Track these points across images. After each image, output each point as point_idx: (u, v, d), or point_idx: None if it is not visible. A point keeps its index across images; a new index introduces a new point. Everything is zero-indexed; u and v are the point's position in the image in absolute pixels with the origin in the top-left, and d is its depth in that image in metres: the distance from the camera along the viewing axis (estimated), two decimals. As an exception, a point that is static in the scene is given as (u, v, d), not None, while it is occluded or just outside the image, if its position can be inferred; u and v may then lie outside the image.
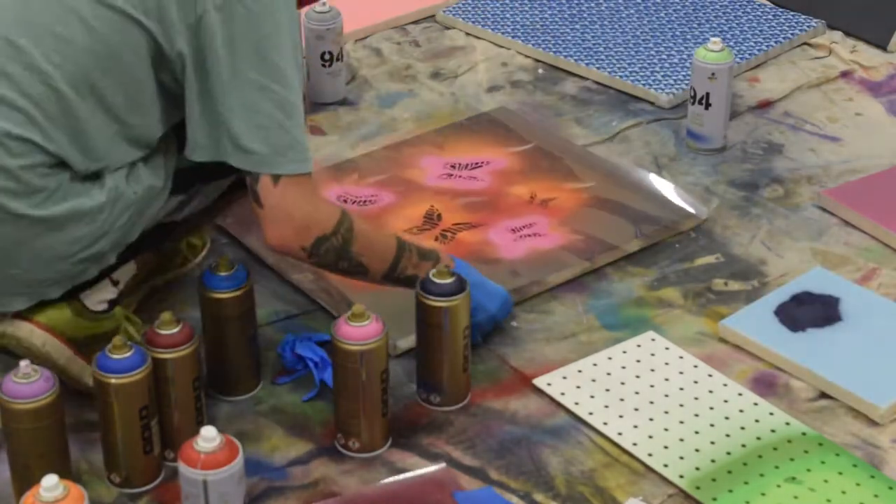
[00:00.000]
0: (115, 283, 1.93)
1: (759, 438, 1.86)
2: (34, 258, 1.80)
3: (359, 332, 1.79)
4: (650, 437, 1.87)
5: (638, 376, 1.98)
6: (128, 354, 1.72)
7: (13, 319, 1.84)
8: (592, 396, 1.94)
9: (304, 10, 2.32)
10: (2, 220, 1.76)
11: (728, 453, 1.84)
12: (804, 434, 1.87)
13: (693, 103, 2.50)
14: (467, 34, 2.94)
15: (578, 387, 1.96)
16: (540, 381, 1.97)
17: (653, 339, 2.05)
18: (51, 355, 1.84)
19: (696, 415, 1.90)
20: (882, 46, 2.86)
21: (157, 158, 1.87)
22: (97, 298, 1.90)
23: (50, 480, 1.54)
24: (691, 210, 2.32)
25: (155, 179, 1.86)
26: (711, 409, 1.92)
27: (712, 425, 1.89)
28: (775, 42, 2.85)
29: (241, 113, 1.77)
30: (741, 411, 1.91)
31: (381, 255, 1.89)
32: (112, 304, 1.92)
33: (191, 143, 1.81)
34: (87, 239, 1.82)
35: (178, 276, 2.13)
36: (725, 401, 1.93)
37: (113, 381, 1.72)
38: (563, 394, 1.94)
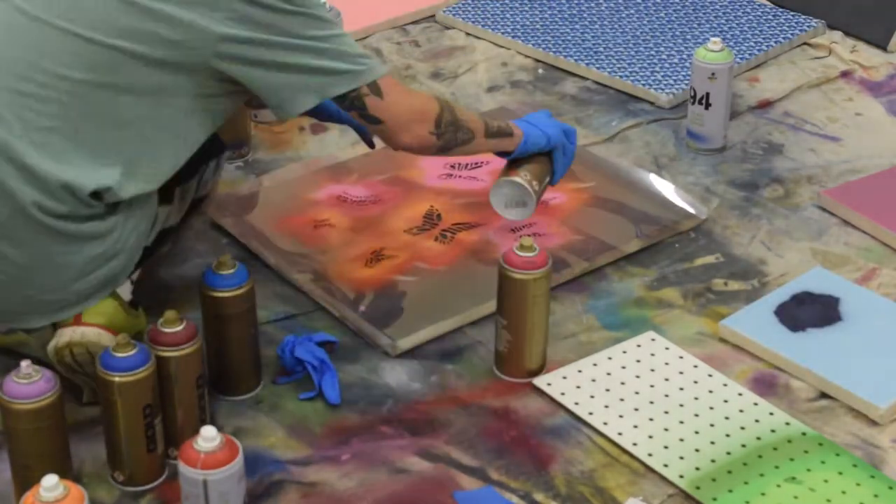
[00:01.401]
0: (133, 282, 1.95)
1: (759, 438, 1.86)
2: (53, 276, 1.81)
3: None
4: (650, 437, 1.87)
5: (638, 376, 1.98)
6: (132, 353, 1.73)
7: (73, 326, 1.84)
8: (592, 396, 1.94)
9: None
10: (35, 233, 1.78)
11: (728, 453, 1.84)
12: (804, 434, 1.87)
13: (693, 103, 2.50)
14: (467, 34, 2.94)
15: (578, 387, 1.96)
16: (540, 381, 1.97)
17: (653, 339, 2.05)
18: (99, 345, 1.84)
19: (696, 415, 1.90)
20: (882, 46, 2.86)
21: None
22: (125, 296, 1.92)
23: (50, 480, 1.54)
24: (691, 210, 2.32)
25: (150, 194, 1.89)
26: (711, 409, 1.92)
27: (712, 425, 1.89)
28: (775, 42, 2.85)
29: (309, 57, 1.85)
30: (741, 411, 1.91)
31: (473, 115, 2.03)
32: (132, 304, 1.94)
33: (285, 103, 1.85)
34: (102, 258, 1.84)
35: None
36: (725, 401, 1.93)
37: (117, 379, 1.72)
38: (563, 394, 1.94)
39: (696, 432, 1.88)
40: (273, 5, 1.78)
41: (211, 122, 1.87)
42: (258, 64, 1.80)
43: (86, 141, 1.78)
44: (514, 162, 2.11)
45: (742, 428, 1.88)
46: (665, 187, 2.38)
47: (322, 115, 2.18)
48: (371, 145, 2.27)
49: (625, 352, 2.03)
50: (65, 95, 1.76)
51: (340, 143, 2.55)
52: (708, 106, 2.48)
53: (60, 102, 1.76)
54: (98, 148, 1.78)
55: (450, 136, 1.97)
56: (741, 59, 2.78)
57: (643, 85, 2.70)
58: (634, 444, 1.85)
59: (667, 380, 1.97)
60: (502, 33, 2.90)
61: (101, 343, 1.83)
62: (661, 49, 2.83)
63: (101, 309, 1.86)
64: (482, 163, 2.46)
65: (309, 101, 1.85)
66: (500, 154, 2.11)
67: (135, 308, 1.92)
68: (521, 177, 2.08)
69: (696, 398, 1.94)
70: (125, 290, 1.91)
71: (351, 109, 1.90)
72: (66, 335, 1.83)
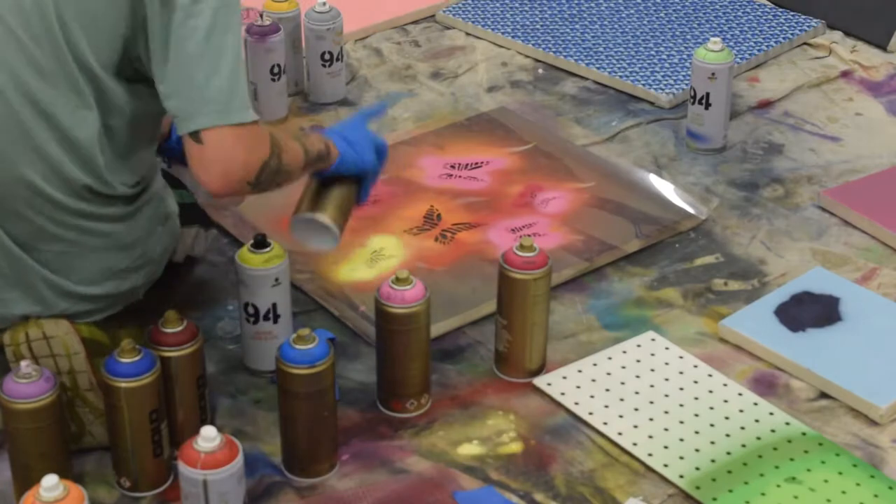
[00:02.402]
0: None
1: (759, 438, 1.86)
2: (91, 268, 1.83)
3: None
4: (650, 437, 1.87)
5: (638, 376, 1.98)
6: (137, 358, 1.72)
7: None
8: (592, 396, 1.94)
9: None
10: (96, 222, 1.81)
11: (728, 453, 1.84)
12: (804, 434, 1.87)
13: (693, 103, 2.50)
14: (467, 34, 2.94)
15: (578, 387, 1.96)
16: (540, 381, 1.97)
17: (653, 339, 2.05)
18: (70, 346, 1.80)
19: (696, 415, 1.90)
20: (882, 46, 2.86)
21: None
22: None
23: (50, 480, 1.54)
24: (691, 210, 2.32)
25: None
26: (711, 409, 1.92)
27: (712, 425, 1.89)
28: (775, 42, 2.85)
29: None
30: (741, 411, 1.91)
31: (295, 149, 1.84)
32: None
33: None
34: (126, 264, 1.86)
35: None
36: (725, 401, 1.93)
37: (123, 385, 1.72)
38: (563, 394, 1.94)
39: (696, 432, 1.87)
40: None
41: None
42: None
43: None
44: (320, 185, 1.95)
45: (742, 428, 1.88)
46: (665, 187, 2.38)
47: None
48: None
49: (625, 352, 2.02)
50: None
51: (340, 143, 2.55)
52: (708, 106, 2.48)
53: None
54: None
55: (267, 183, 1.79)
56: (741, 59, 2.78)
57: (643, 85, 2.70)
58: (634, 444, 1.85)
59: (667, 380, 1.97)
60: (502, 33, 2.90)
61: (59, 328, 1.79)
62: (661, 49, 2.83)
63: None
64: (482, 163, 2.46)
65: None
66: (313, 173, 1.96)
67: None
68: (327, 214, 1.91)
69: (696, 398, 1.94)
70: None
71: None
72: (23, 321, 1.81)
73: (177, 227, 1.99)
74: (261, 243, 1.93)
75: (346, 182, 1.94)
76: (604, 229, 2.27)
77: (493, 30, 2.92)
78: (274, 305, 1.94)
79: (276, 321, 1.95)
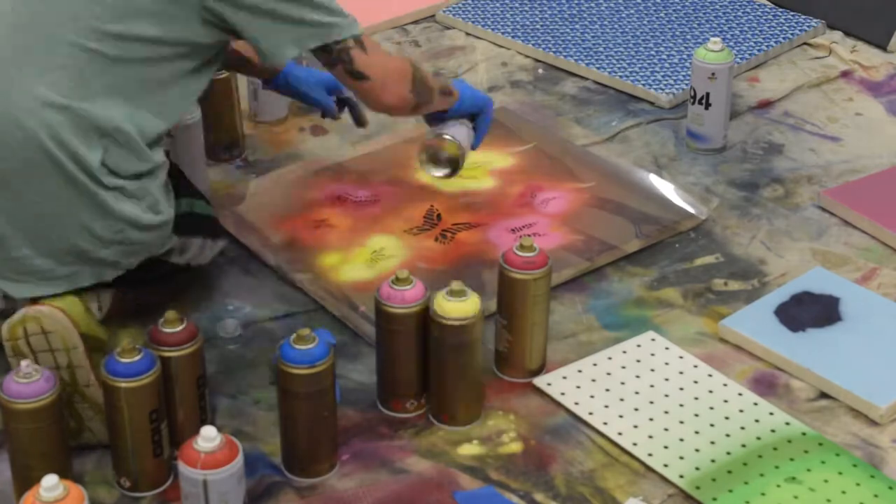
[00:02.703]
0: (98, 306, 1.94)
1: (759, 438, 1.86)
2: (75, 229, 1.84)
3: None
4: (650, 437, 1.87)
5: (638, 376, 1.98)
6: (137, 358, 1.72)
7: (32, 305, 1.82)
8: (592, 396, 1.94)
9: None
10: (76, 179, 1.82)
11: (728, 453, 1.84)
12: (804, 434, 1.87)
13: (693, 103, 2.50)
14: (467, 34, 2.94)
15: (578, 387, 1.96)
16: (540, 381, 1.97)
17: (653, 339, 2.05)
18: (68, 340, 1.80)
19: (696, 415, 1.90)
20: (882, 46, 2.86)
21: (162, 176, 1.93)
22: (93, 307, 1.91)
23: (50, 480, 1.54)
24: (691, 210, 2.32)
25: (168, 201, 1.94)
26: (711, 409, 1.92)
27: (712, 425, 1.89)
28: (775, 42, 2.85)
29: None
30: (741, 411, 1.91)
31: (428, 73, 2.09)
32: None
33: (271, 50, 1.92)
34: (113, 233, 1.86)
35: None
36: (725, 401, 1.93)
37: (123, 385, 1.72)
38: (563, 394, 1.94)
39: (696, 432, 1.87)
40: None
41: (191, 89, 1.93)
42: (245, 7, 1.86)
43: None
44: (441, 122, 2.18)
45: (742, 428, 1.88)
46: (665, 187, 2.38)
47: (297, 91, 2.30)
48: (360, 122, 2.37)
49: (625, 352, 2.02)
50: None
51: (340, 143, 2.55)
52: (708, 106, 2.48)
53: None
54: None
55: (422, 95, 2.04)
56: (741, 59, 2.78)
57: (643, 85, 2.70)
58: (634, 444, 1.85)
59: (667, 380, 1.97)
60: (502, 33, 2.90)
61: (58, 324, 1.78)
62: (661, 49, 2.83)
63: (61, 302, 1.84)
64: (482, 163, 2.46)
65: (292, 51, 1.92)
66: (434, 113, 2.18)
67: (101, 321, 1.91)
68: (452, 138, 2.16)
69: (696, 398, 1.94)
70: (94, 304, 1.91)
71: (336, 63, 1.96)
72: (21, 311, 1.80)
73: (165, 235, 1.96)
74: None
75: (462, 121, 2.19)
76: (604, 229, 2.27)
77: (493, 30, 2.92)
78: None
79: None
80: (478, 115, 2.21)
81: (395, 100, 2.01)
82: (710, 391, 1.95)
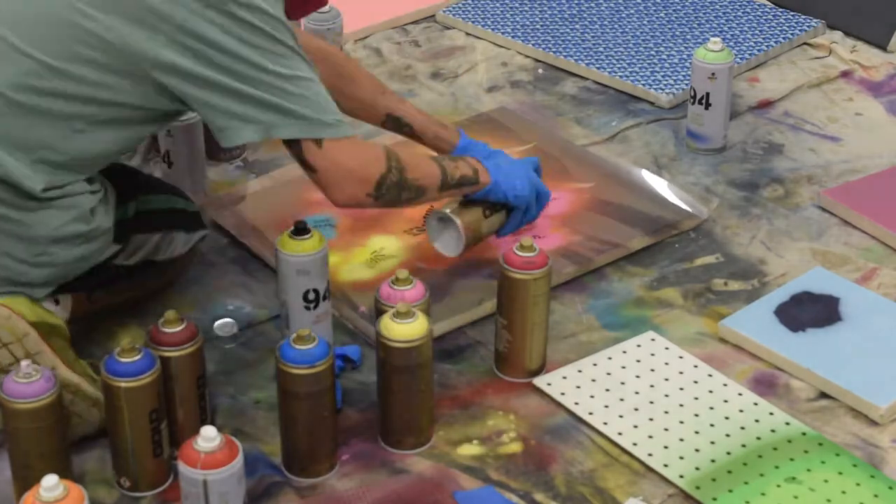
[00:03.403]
0: (56, 302, 1.92)
1: (759, 438, 1.86)
2: (16, 239, 1.81)
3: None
4: (650, 437, 1.87)
5: (638, 376, 1.98)
6: (137, 358, 1.72)
7: None
8: (592, 396, 1.94)
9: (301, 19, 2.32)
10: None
11: (728, 453, 1.84)
12: (804, 434, 1.87)
13: (693, 103, 2.50)
14: (467, 34, 2.94)
15: (578, 387, 1.96)
16: (540, 381, 1.97)
17: (653, 339, 2.05)
18: (16, 329, 1.78)
19: (696, 415, 1.90)
20: (882, 46, 2.86)
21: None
22: (47, 304, 1.90)
23: (50, 480, 1.54)
24: (691, 210, 2.32)
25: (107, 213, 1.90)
26: (711, 409, 1.92)
27: (712, 425, 1.89)
28: (775, 42, 2.85)
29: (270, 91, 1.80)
30: (741, 411, 1.91)
31: (429, 170, 1.98)
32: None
33: (227, 132, 1.82)
34: (64, 236, 1.84)
35: None
36: (725, 401, 1.93)
37: (122, 384, 1.71)
38: (563, 394, 1.94)
39: (696, 432, 1.87)
40: (226, 47, 1.76)
41: (125, 137, 1.86)
42: (205, 85, 1.77)
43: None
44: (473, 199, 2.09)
45: (742, 428, 1.88)
46: (665, 187, 2.38)
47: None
48: None
49: (625, 352, 2.02)
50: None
51: (340, 143, 2.55)
52: (708, 106, 2.48)
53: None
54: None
55: (391, 197, 1.92)
56: (741, 59, 2.78)
57: (643, 85, 2.70)
58: (634, 444, 1.85)
59: (667, 380, 1.97)
60: (502, 33, 2.90)
61: (2, 320, 1.77)
62: (661, 49, 2.83)
63: (8, 300, 1.81)
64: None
65: (252, 136, 1.81)
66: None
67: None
68: (461, 219, 2.07)
69: (696, 398, 1.94)
70: (50, 304, 1.90)
71: (289, 148, 1.85)
72: None
73: (104, 246, 1.94)
74: (303, 230, 1.93)
75: (498, 207, 2.09)
76: (604, 229, 2.27)
77: (493, 30, 2.92)
78: (328, 282, 1.97)
79: (326, 298, 1.97)
80: (514, 210, 2.11)
81: (345, 198, 1.89)
82: (710, 391, 1.95)
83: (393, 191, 1.91)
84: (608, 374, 1.98)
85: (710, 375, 1.98)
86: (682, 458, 1.83)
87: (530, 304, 1.92)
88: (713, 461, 1.82)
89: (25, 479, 1.70)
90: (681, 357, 2.01)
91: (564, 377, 1.97)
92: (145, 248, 2.01)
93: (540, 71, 2.81)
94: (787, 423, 1.89)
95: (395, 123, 2.19)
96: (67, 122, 1.79)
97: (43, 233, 1.83)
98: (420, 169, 1.96)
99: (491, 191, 2.06)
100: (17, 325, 1.78)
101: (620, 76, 2.73)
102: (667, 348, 2.03)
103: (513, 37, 2.89)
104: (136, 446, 1.75)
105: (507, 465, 1.84)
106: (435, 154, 2.12)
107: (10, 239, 1.83)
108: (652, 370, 1.99)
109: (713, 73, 2.45)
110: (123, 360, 1.72)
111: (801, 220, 2.34)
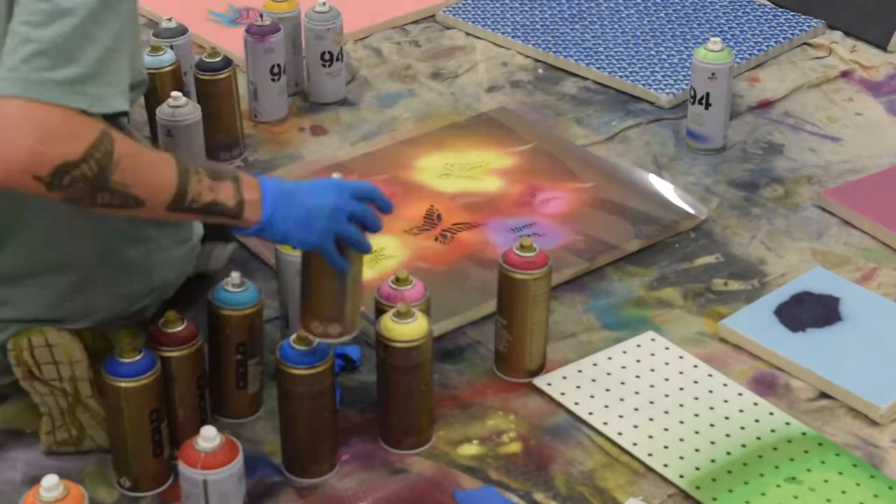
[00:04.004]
0: None
1: (759, 438, 1.86)
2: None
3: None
4: (650, 437, 1.87)
5: (638, 376, 1.98)
6: (137, 358, 1.72)
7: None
8: (592, 396, 1.94)
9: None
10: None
11: (728, 453, 1.84)
12: (804, 434, 1.87)
13: (693, 103, 2.50)
14: (467, 34, 2.94)
15: (578, 387, 1.96)
16: (540, 381, 1.97)
17: (653, 339, 2.05)
18: (72, 355, 1.77)
19: (696, 415, 1.90)
20: (882, 46, 2.86)
21: None
22: None
23: (50, 480, 1.54)
24: (691, 210, 2.32)
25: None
26: (711, 409, 1.92)
27: (712, 425, 1.89)
28: (775, 42, 2.85)
29: None
30: (741, 411, 1.91)
31: (159, 182, 1.57)
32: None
33: None
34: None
35: None
36: (725, 401, 1.93)
37: (123, 384, 1.71)
38: (563, 394, 1.94)
39: (696, 432, 1.87)
40: None
41: None
42: None
43: None
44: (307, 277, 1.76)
45: (742, 428, 1.88)
46: (665, 187, 2.38)
47: None
48: None
49: (625, 352, 2.02)
50: None
51: (341, 143, 2.55)
52: (708, 106, 2.48)
53: None
54: None
55: (77, 193, 1.52)
56: (741, 59, 2.78)
57: (643, 85, 2.70)
58: (634, 444, 1.85)
59: (667, 380, 1.97)
60: (502, 33, 2.90)
61: (62, 337, 1.76)
62: (661, 49, 2.83)
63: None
64: (481, 164, 2.46)
65: None
66: (231, 227, 1.70)
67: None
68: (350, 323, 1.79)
69: (696, 398, 1.94)
70: None
71: None
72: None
73: (195, 250, 1.97)
74: None
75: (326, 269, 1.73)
76: (604, 229, 2.27)
77: (493, 30, 2.92)
78: None
79: None
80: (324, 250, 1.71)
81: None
82: (710, 391, 1.95)
83: (81, 187, 1.51)
84: (608, 374, 1.98)
85: (710, 375, 1.98)
86: (682, 458, 1.83)
87: (530, 304, 1.92)
88: (713, 461, 1.82)
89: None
90: (681, 357, 2.01)
91: (564, 377, 1.97)
92: (211, 260, 2.02)
93: (540, 71, 2.81)
94: (787, 423, 1.89)
95: None
96: None
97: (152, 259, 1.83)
98: (142, 174, 1.56)
99: (264, 230, 1.68)
100: (74, 351, 1.78)
101: (620, 76, 2.73)
102: (667, 348, 2.03)
103: (513, 37, 2.89)
104: (137, 446, 1.75)
105: (507, 465, 1.84)
106: (199, 162, 1.67)
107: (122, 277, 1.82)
108: (652, 370, 1.99)
109: (713, 73, 2.45)
110: (124, 360, 1.72)
111: (801, 220, 2.34)
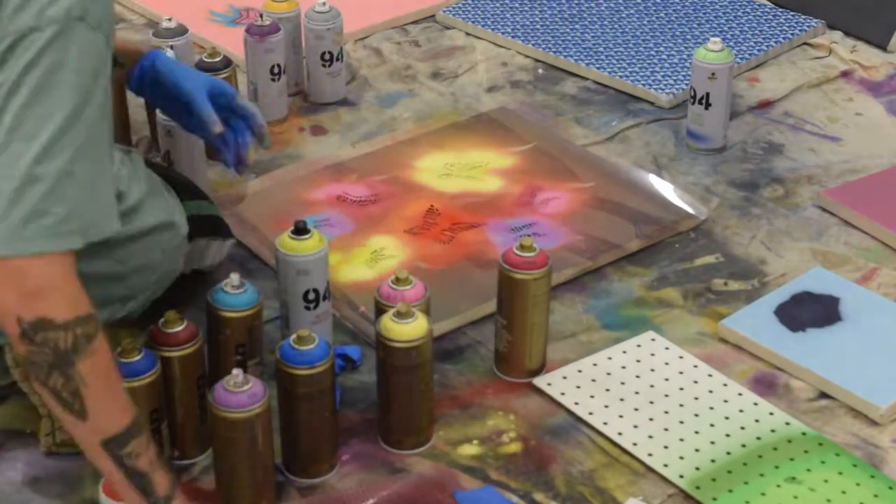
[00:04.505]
0: None
1: (759, 438, 1.86)
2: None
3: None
4: (650, 437, 1.87)
5: (638, 376, 1.98)
6: (137, 358, 1.72)
7: None
8: (592, 396, 1.94)
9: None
10: None
11: (728, 453, 1.84)
12: (804, 434, 1.87)
13: (693, 103, 2.50)
14: (467, 34, 2.94)
15: (578, 387, 1.96)
16: (540, 381, 1.97)
17: (653, 339, 2.05)
18: None
19: (696, 415, 1.90)
20: (882, 46, 2.86)
21: None
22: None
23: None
24: (691, 210, 2.32)
25: None
26: (711, 409, 1.92)
27: (712, 425, 1.89)
28: (775, 42, 2.85)
29: None
30: (741, 411, 1.91)
31: (114, 408, 1.50)
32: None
33: None
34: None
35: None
36: (725, 401, 1.93)
37: (123, 385, 1.71)
38: (563, 394, 1.94)
39: (696, 432, 1.87)
40: None
41: None
42: None
43: None
44: None
45: (742, 428, 1.88)
46: (665, 187, 2.38)
47: (165, 86, 1.96)
48: (261, 141, 2.10)
49: (625, 352, 2.03)
50: None
51: (341, 143, 2.55)
52: (708, 106, 2.48)
53: None
54: None
55: (39, 356, 1.44)
56: (741, 59, 2.78)
57: (643, 85, 2.70)
58: (634, 444, 1.85)
59: (667, 380, 1.97)
60: (502, 33, 2.90)
61: None
62: (661, 49, 2.83)
63: None
64: (482, 163, 2.46)
65: None
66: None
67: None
68: None
69: (696, 398, 1.94)
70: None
71: None
72: None
73: (177, 241, 1.96)
74: (303, 230, 1.93)
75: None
76: (604, 229, 2.27)
77: (493, 30, 2.92)
78: (328, 282, 1.97)
79: (326, 298, 1.97)
80: None
81: None
82: (710, 391, 1.95)
83: (47, 353, 1.43)
84: (608, 374, 1.98)
85: (710, 375, 1.98)
86: (682, 458, 1.83)
87: (530, 304, 1.92)
88: (713, 461, 1.82)
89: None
90: (681, 357, 2.01)
91: (564, 377, 1.97)
92: (189, 257, 2.01)
93: (540, 71, 2.81)
94: (787, 423, 1.89)
95: None
96: None
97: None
98: (104, 390, 1.48)
99: None
100: None
101: (620, 76, 2.73)
102: (667, 348, 2.03)
103: (513, 37, 2.89)
104: (137, 446, 1.75)
105: (507, 465, 1.84)
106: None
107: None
108: (652, 370, 1.99)
109: (713, 73, 2.45)
110: (124, 360, 1.71)
111: (801, 220, 2.34)
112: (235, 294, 1.83)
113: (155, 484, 1.53)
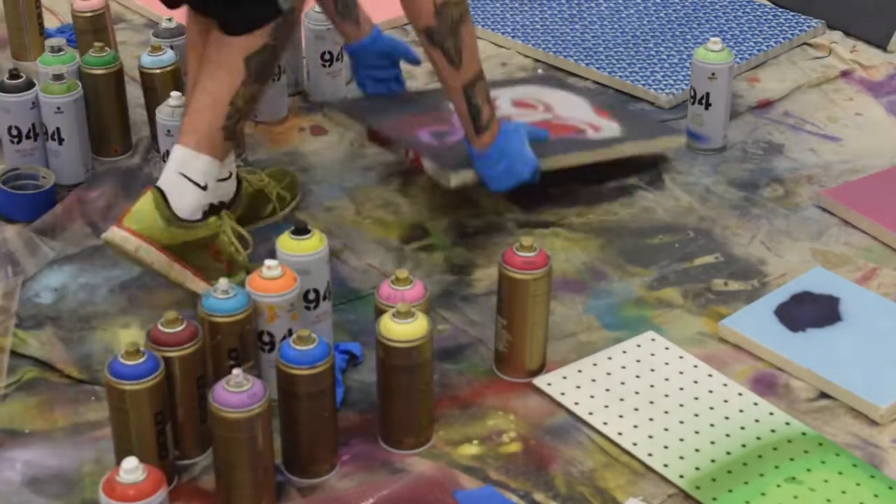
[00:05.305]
0: (203, 187, 2.03)
1: (759, 438, 1.86)
2: None
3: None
4: (650, 437, 1.87)
5: (638, 376, 1.98)
6: (141, 360, 1.72)
7: (112, 227, 2.00)
8: (592, 396, 1.94)
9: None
10: None
11: (728, 453, 1.84)
12: (804, 434, 1.87)
13: (693, 103, 2.50)
14: (467, 34, 2.94)
15: (578, 387, 1.96)
16: (540, 381, 1.97)
17: (653, 339, 2.05)
18: (143, 260, 2.00)
19: (696, 415, 1.90)
20: (882, 46, 2.86)
21: None
22: (187, 207, 2.02)
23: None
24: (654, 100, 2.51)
25: None
26: (711, 409, 1.92)
27: (712, 425, 1.89)
28: (775, 42, 2.85)
29: None
30: (741, 411, 1.91)
31: (474, 60, 2.08)
32: (205, 214, 2.04)
33: None
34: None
35: (267, 224, 2.25)
36: (725, 401, 1.93)
37: (127, 387, 1.71)
38: (563, 394, 1.94)
39: (696, 432, 1.88)
40: None
41: None
42: None
43: None
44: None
45: (742, 428, 1.88)
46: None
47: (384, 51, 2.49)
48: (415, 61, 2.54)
49: (625, 352, 2.03)
50: None
51: (341, 143, 2.55)
52: (708, 106, 2.48)
53: None
54: None
55: (444, 26, 2.03)
56: (741, 59, 2.78)
57: (643, 85, 2.70)
58: (634, 444, 1.85)
59: (667, 380, 1.97)
60: (502, 33, 2.90)
61: (125, 248, 1.98)
62: (661, 49, 2.83)
63: (140, 215, 2.00)
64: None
65: None
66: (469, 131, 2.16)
67: (202, 218, 2.04)
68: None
69: (696, 398, 1.94)
70: (193, 195, 2.03)
71: None
72: (103, 235, 2.02)
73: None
74: (303, 230, 1.93)
75: None
76: (606, 128, 2.43)
77: (493, 30, 2.92)
78: (328, 283, 1.96)
79: (326, 298, 1.97)
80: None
81: None
82: (710, 391, 1.95)
83: (449, 21, 2.03)
84: (608, 374, 1.98)
85: (710, 375, 1.98)
86: (682, 458, 1.83)
87: (530, 304, 1.92)
88: (713, 461, 1.82)
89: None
90: (681, 357, 2.01)
91: (564, 377, 1.97)
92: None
93: (540, 71, 2.81)
94: (787, 423, 1.89)
95: None
96: None
97: None
98: (472, 47, 2.07)
99: (493, 154, 2.18)
100: (145, 256, 1.99)
101: (620, 76, 2.73)
102: (667, 348, 2.03)
103: (513, 37, 2.89)
104: (142, 448, 1.74)
105: (507, 465, 1.84)
106: None
107: None
108: (652, 370, 1.99)
109: (713, 73, 2.45)
110: (128, 362, 1.71)
111: (801, 220, 2.34)
112: (225, 299, 1.82)
113: (483, 114, 2.14)
